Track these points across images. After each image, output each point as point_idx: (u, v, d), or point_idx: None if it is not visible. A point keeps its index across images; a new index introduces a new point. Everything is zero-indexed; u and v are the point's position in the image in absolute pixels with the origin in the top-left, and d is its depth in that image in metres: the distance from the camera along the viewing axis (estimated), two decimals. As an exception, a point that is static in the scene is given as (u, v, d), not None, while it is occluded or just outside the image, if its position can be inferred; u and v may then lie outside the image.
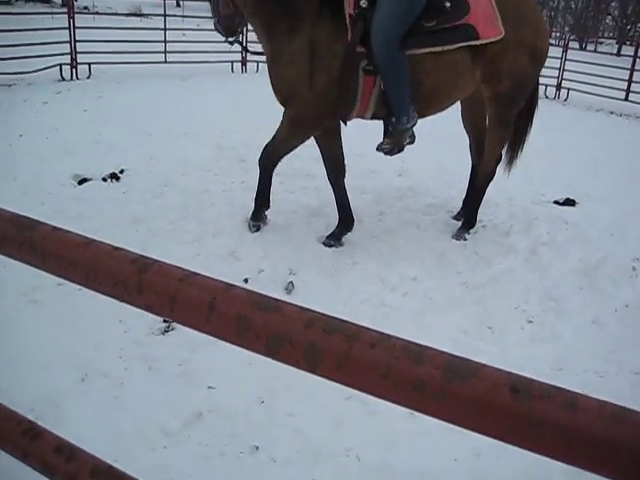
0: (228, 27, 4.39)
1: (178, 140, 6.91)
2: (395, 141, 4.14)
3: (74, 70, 11.10)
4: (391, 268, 4.14)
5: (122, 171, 5.74)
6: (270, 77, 4.16)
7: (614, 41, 48.20)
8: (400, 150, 4.23)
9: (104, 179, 5.54)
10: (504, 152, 4.90)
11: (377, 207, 5.26)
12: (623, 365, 3.31)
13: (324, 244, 4.46)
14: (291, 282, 3.86)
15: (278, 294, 3.74)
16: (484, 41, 4.03)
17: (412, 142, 4.20)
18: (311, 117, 4.13)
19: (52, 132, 7.04)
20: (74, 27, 11.13)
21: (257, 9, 4.05)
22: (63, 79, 10.75)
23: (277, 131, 4.28)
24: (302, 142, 4.35)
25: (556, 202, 5.77)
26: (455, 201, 5.43)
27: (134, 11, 23.60)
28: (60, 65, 10.81)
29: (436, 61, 3.99)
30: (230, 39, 4.47)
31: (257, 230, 4.57)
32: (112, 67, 11.41)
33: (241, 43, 4.73)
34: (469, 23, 3.98)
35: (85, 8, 28.15)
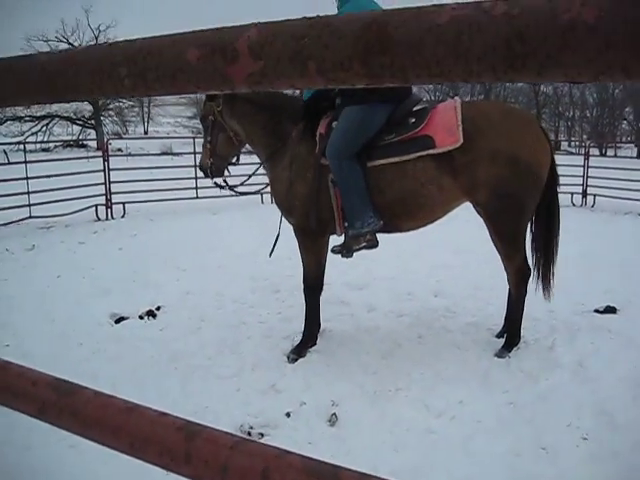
0: (219, 167, 4.97)
1: (212, 274, 7.01)
2: (347, 244, 4.49)
3: (109, 210, 11.58)
4: (435, 392, 4.02)
5: (158, 308, 5.80)
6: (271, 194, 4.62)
7: (632, 144, 48.90)
8: (349, 254, 4.56)
9: (141, 317, 5.60)
10: (533, 268, 4.84)
11: (415, 330, 5.18)
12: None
13: (287, 357, 4.63)
14: (334, 414, 3.75)
15: (321, 427, 3.64)
16: (440, 150, 4.22)
17: (370, 247, 4.46)
18: (307, 226, 4.53)
19: (89, 272, 7.21)
20: (109, 169, 11.71)
21: (257, 138, 4.75)
22: (99, 219, 11.21)
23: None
24: (319, 253, 4.70)
25: (597, 311, 5.64)
26: (494, 318, 5.33)
27: (165, 150, 24.72)
28: (96, 206, 11.34)
29: (398, 171, 4.30)
30: (218, 179, 5.04)
31: (295, 362, 4.54)
32: (145, 205, 11.87)
33: (227, 183, 5.17)
34: (427, 134, 4.27)
35: (119, 150, 29.49)
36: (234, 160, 5.17)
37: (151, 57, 0.67)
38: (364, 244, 4.42)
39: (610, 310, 5.63)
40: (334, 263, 5.15)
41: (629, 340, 4.90)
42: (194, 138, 13.45)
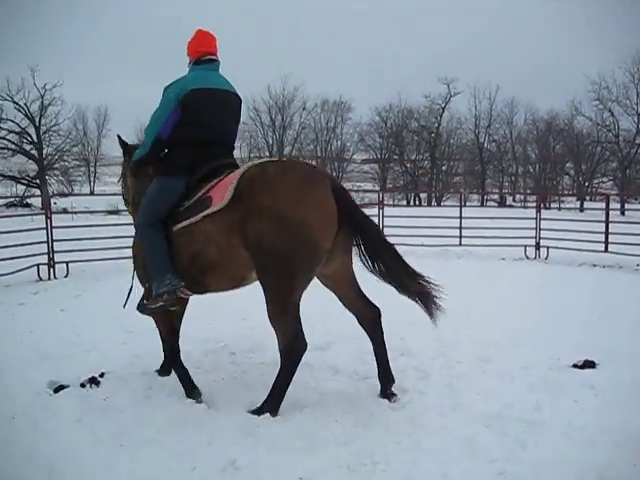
0: None
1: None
2: (147, 303, 4.82)
3: (51, 269, 11.14)
4: (417, 465, 3.59)
5: (102, 374, 5.30)
6: None
7: (574, 197, 50.46)
8: (145, 311, 4.96)
9: (82, 385, 5.08)
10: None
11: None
12: None
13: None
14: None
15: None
16: (214, 209, 4.43)
17: (170, 306, 4.70)
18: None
19: (27, 335, 6.77)
20: (51, 227, 11.31)
21: None
22: (40, 279, 10.78)
23: None
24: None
25: (575, 365, 5.37)
26: (468, 377, 5.00)
27: (111, 209, 24.18)
28: (38, 265, 10.91)
29: (190, 233, 4.57)
30: None
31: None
32: (91, 265, 11.54)
33: None
34: (208, 195, 4.57)
35: (64, 209, 28.86)
36: None
37: None
38: (161, 303, 4.65)
39: (589, 365, 5.36)
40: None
41: (614, 397, 4.62)
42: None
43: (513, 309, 7.79)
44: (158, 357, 5.58)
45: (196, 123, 4.78)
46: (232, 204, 4.34)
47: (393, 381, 4.78)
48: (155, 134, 4.85)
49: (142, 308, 4.98)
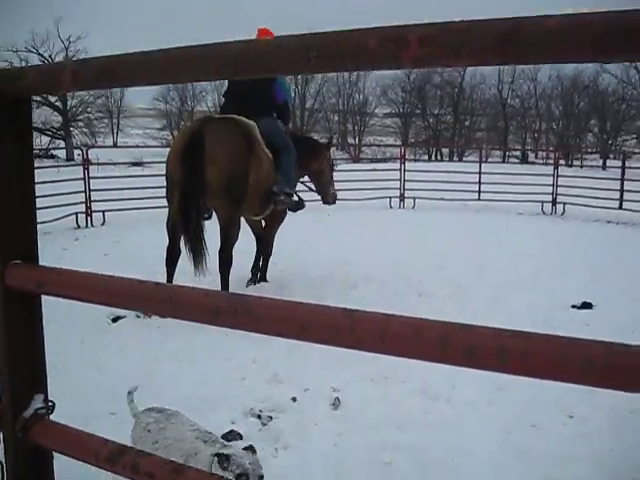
0: None
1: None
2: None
3: (89, 218, 11.73)
4: (431, 381, 4.29)
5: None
6: None
7: (598, 155, 50.05)
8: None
9: (137, 315, 5.75)
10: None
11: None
12: None
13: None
14: (337, 398, 4.00)
15: (325, 410, 3.88)
16: None
17: None
18: None
19: (77, 277, 7.29)
20: (89, 177, 11.88)
21: None
22: (79, 227, 11.40)
23: None
24: None
25: (574, 306, 5.99)
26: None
27: (135, 161, 24.83)
28: (76, 214, 11.47)
29: None
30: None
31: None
32: (124, 213, 11.94)
33: None
34: None
35: (89, 160, 29.41)
36: None
37: (339, 44, 0.91)
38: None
39: (586, 306, 5.98)
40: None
41: (604, 332, 5.21)
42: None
43: (523, 257, 8.38)
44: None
45: None
46: None
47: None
48: None
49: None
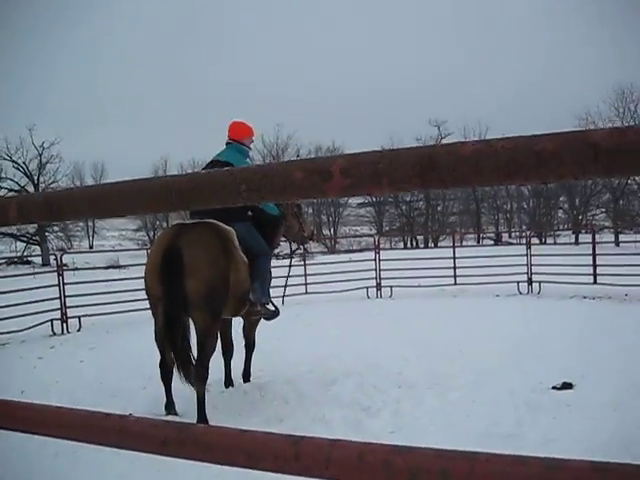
0: None
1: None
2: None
3: (64, 324, 11.62)
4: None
5: (130, 415, 5.80)
6: None
7: (570, 231, 51.01)
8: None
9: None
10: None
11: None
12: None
13: None
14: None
15: None
16: None
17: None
18: None
19: (53, 385, 7.17)
20: (63, 283, 11.86)
21: None
22: (54, 334, 11.22)
23: None
24: None
25: (554, 387, 5.96)
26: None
27: (112, 264, 24.83)
28: (51, 320, 11.35)
29: None
30: None
31: None
32: (100, 318, 11.90)
33: None
34: None
35: (64, 265, 29.36)
36: None
37: (266, 177, 0.96)
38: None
39: (567, 386, 5.96)
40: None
41: (587, 412, 5.20)
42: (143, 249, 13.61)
43: (502, 341, 8.35)
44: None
45: None
46: None
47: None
48: None
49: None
